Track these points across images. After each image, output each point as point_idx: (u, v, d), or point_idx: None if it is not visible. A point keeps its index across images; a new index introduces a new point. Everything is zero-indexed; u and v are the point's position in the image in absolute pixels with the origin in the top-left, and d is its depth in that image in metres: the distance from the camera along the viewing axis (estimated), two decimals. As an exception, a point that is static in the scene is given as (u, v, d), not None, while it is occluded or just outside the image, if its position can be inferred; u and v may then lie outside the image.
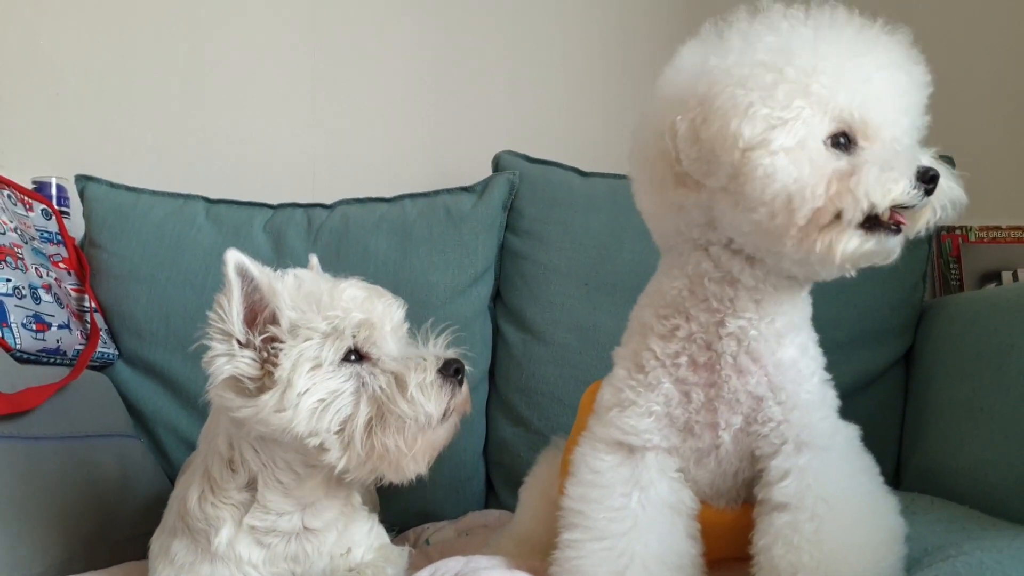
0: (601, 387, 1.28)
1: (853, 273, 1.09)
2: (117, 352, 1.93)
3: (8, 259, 1.62)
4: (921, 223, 1.06)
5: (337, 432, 1.12)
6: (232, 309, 1.12)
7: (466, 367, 1.21)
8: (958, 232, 2.19)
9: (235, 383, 1.13)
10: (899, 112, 1.06)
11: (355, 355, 1.16)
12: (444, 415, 1.17)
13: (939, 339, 1.79)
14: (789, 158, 1.00)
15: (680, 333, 1.17)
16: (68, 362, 1.73)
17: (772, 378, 1.15)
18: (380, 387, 1.14)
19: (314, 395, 1.11)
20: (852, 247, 1.02)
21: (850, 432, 1.19)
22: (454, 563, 1.22)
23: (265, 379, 1.11)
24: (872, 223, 1.02)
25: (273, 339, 1.13)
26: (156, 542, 1.25)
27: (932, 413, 1.71)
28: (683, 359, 1.17)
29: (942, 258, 2.17)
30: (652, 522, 1.17)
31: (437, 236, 1.97)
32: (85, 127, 2.35)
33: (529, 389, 1.92)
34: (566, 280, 1.94)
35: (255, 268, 1.14)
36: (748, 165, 1.01)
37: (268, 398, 1.10)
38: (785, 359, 1.16)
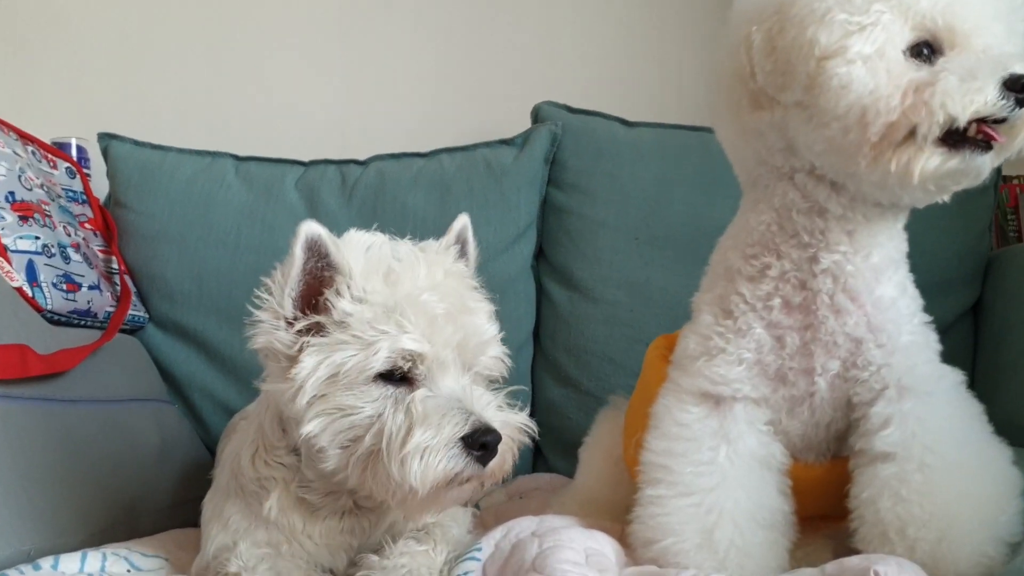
0: (682, 336, 1.21)
1: (945, 198, 1.02)
2: (147, 315, 1.85)
3: (36, 216, 1.53)
4: (1020, 140, 0.96)
5: (341, 448, 1.02)
6: (287, 286, 1.02)
7: (502, 437, 1.01)
8: (1015, 182, 2.11)
9: (272, 352, 1.04)
10: (991, 17, 0.96)
11: (399, 374, 1.02)
12: (452, 483, 0.99)
13: (1011, 291, 1.71)
14: (866, 67, 0.93)
15: (771, 272, 1.10)
16: (99, 325, 1.65)
17: (871, 318, 1.08)
18: (392, 427, 0.99)
19: (327, 402, 1.01)
20: (932, 166, 0.93)
21: (956, 377, 1.12)
22: (527, 522, 1.15)
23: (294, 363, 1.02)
24: (956, 139, 0.93)
25: (319, 326, 1.02)
26: (209, 504, 1.18)
27: (1007, 368, 1.63)
28: (776, 301, 1.10)
29: (999, 209, 2.09)
30: (741, 477, 1.10)
31: (477, 191, 1.89)
32: (106, 86, 2.26)
33: (578, 349, 1.84)
34: (614, 235, 1.86)
35: (333, 244, 1.02)
36: (823, 75, 0.94)
37: (286, 386, 1.01)
38: (884, 297, 1.08)
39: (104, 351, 1.56)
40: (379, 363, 0.99)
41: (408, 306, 1.01)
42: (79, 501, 1.29)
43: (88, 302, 1.60)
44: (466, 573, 1.06)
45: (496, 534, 1.13)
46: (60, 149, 1.99)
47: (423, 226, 1.82)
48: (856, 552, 1.03)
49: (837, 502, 1.12)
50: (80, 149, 2.06)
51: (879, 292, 1.08)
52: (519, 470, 1.81)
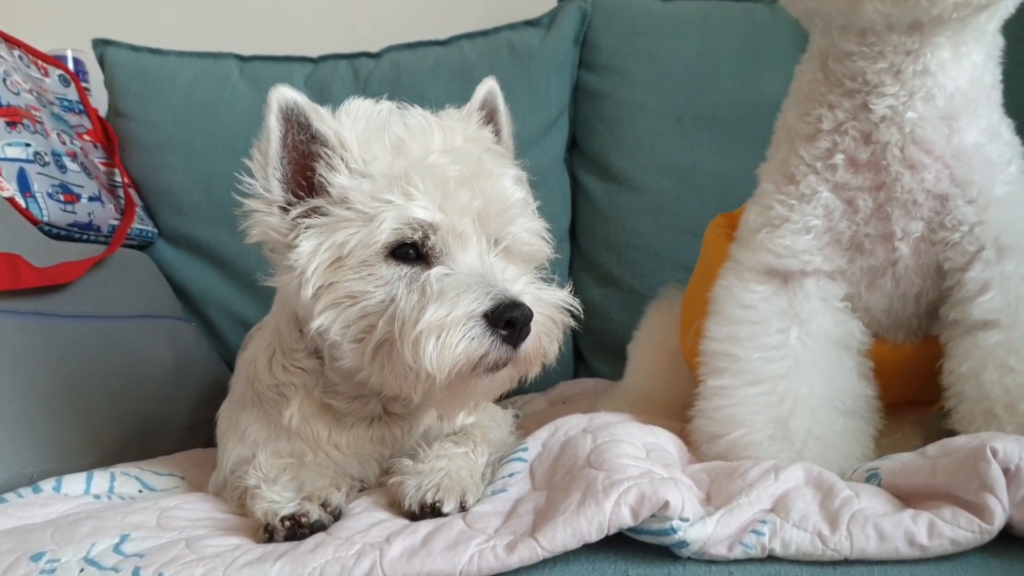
0: (745, 209, 1.07)
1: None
2: (156, 230, 1.74)
3: (26, 122, 1.41)
4: None
5: (356, 342, 0.91)
6: (268, 166, 0.90)
7: (534, 315, 0.89)
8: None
9: (272, 244, 0.94)
10: None
11: (413, 251, 0.90)
12: (478, 368, 0.87)
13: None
14: None
15: (824, 126, 0.98)
16: (103, 239, 1.54)
17: (954, 171, 0.95)
18: (406, 308, 0.87)
19: (336, 291, 0.89)
20: None
21: (1065, 233, 0.97)
22: (577, 419, 1.03)
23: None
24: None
25: (318, 208, 0.91)
26: (224, 416, 1.07)
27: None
28: (838, 158, 0.97)
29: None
30: (816, 360, 1.00)
31: (502, 78, 1.67)
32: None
33: (619, 244, 1.71)
34: (655, 118, 1.70)
35: (313, 111, 0.90)
36: None
37: (288, 278, 0.90)
38: (966, 145, 0.95)
39: (110, 266, 1.45)
40: (384, 235, 0.87)
41: (415, 172, 0.89)
42: (86, 422, 1.19)
43: (89, 214, 1.49)
44: (511, 474, 0.94)
45: (543, 433, 1.01)
46: (56, 61, 1.87)
47: (445, 119, 1.69)
48: (952, 435, 0.89)
49: (929, 386, 1.01)
50: (77, 62, 1.93)
51: (957, 140, 0.95)
52: (559, 375, 1.70)
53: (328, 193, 0.90)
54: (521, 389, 1.65)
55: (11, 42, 1.55)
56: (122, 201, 1.63)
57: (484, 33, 1.80)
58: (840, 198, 0.98)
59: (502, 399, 1.63)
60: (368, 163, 0.90)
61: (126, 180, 1.69)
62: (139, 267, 1.59)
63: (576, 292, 1.72)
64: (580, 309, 0.99)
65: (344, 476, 0.99)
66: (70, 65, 1.88)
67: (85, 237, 1.50)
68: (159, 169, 1.75)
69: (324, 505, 0.87)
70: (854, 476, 0.90)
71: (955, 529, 0.73)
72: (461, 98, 1.72)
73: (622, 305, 1.68)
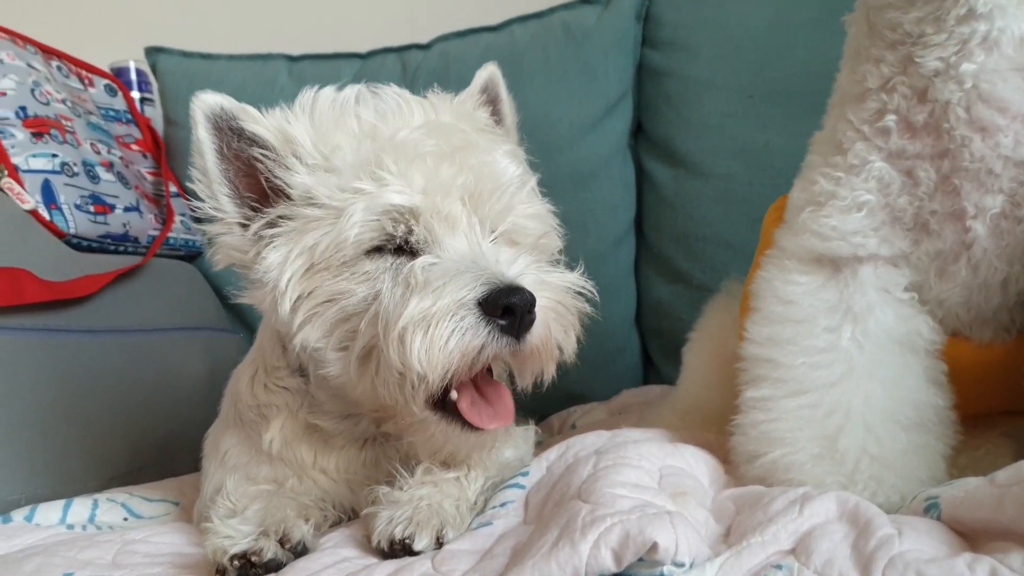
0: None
1: None
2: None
3: (54, 132, 1.38)
4: None
5: (341, 350, 0.81)
6: (211, 183, 0.81)
7: (536, 300, 0.77)
8: None
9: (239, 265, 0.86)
10: None
11: (397, 244, 0.80)
12: (476, 364, 0.76)
13: None
14: None
15: (870, 83, 0.82)
16: (142, 250, 1.50)
17: None
18: (390, 304, 0.77)
19: (315, 299, 0.80)
20: None
21: None
22: (594, 438, 0.89)
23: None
24: None
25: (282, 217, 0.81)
26: (209, 437, 1.00)
27: None
28: (889, 120, 0.81)
29: None
30: (873, 365, 0.84)
31: (555, 61, 1.61)
32: (159, 5, 2.11)
33: (687, 236, 1.55)
34: (724, 95, 1.54)
35: (244, 112, 0.81)
36: None
37: (262, 295, 0.82)
38: None
39: (146, 277, 1.41)
40: (355, 230, 0.77)
41: (386, 153, 0.78)
42: (94, 442, 1.14)
43: (124, 225, 1.45)
44: (503, 504, 0.82)
45: (551, 454, 0.88)
46: (119, 74, 1.86)
47: (494, 108, 1.58)
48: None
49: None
50: (140, 72, 1.91)
51: None
52: (623, 383, 1.55)
53: (289, 197, 0.80)
54: (580, 397, 1.53)
55: (50, 52, 1.54)
56: (165, 211, 1.59)
57: (538, 15, 1.68)
58: (897, 168, 0.81)
59: (553, 409, 1.51)
60: (329, 155, 0.80)
61: (172, 189, 1.66)
62: (180, 278, 1.54)
63: (643, 291, 1.62)
64: (594, 292, 0.86)
65: (327, 505, 0.89)
66: (132, 75, 1.88)
67: (121, 248, 1.46)
68: (208, 177, 1.70)
69: (283, 541, 0.77)
70: (912, 505, 0.74)
71: (1024, 582, 0.56)
72: (509, 85, 1.61)
73: (691, 303, 1.52)
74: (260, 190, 0.82)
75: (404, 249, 0.80)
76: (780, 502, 0.70)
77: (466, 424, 0.80)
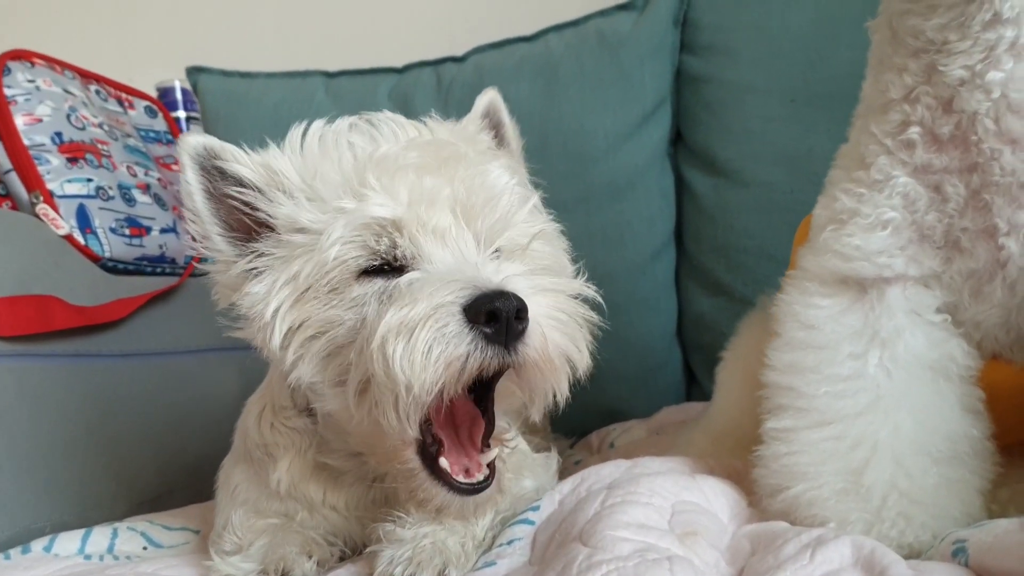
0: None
1: None
2: (245, 258, 1.70)
3: (89, 156, 1.40)
4: None
5: (337, 386, 0.78)
6: (204, 223, 0.81)
7: (528, 308, 0.72)
8: None
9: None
10: None
11: (388, 263, 0.77)
12: (462, 378, 0.71)
13: None
14: None
15: (893, 93, 0.77)
16: (180, 271, 1.51)
17: None
18: (372, 323, 0.74)
19: (306, 331, 0.77)
20: None
21: None
22: (611, 469, 0.86)
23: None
24: None
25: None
26: (223, 469, 0.98)
27: None
28: (913, 133, 0.76)
29: None
30: (903, 393, 0.79)
31: (589, 71, 1.57)
32: (205, 25, 2.14)
33: (728, 247, 1.50)
34: (766, 100, 1.48)
35: (228, 152, 0.81)
36: None
37: (252, 331, 0.81)
38: None
39: (181, 298, 1.42)
40: (336, 248, 0.74)
41: (368, 169, 0.76)
42: (123, 466, 1.14)
43: (160, 247, 1.46)
44: (511, 541, 0.79)
45: (564, 487, 0.85)
46: (164, 94, 1.89)
47: (527, 120, 1.51)
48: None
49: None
50: (185, 92, 1.94)
51: None
52: (664, 400, 1.51)
53: (275, 230, 0.79)
54: (621, 415, 1.49)
55: (88, 77, 1.56)
56: (204, 231, 1.61)
57: (573, 23, 1.64)
58: (923, 183, 0.76)
59: (593, 427, 1.47)
60: (312, 182, 0.78)
61: (214, 209, 1.67)
62: (217, 299, 1.55)
63: (684, 305, 1.57)
64: (598, 298, 0.81)
65: (337, 540, 0.88)
66: (178, 94, 1.91)
67: (159, 270, 1.47)
68: (246, 195, 1.71)
69: (282, 578, 0.75)
70: (940, 548, 0.69)
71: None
72: (544, 96, 1.60)
73: (733, 317, 1.44)
74: (248, 227, 0.81)
75: (394, 268, 0.77)
76: (792, 546, 0.66)
77: (451, 487, 0.77)
